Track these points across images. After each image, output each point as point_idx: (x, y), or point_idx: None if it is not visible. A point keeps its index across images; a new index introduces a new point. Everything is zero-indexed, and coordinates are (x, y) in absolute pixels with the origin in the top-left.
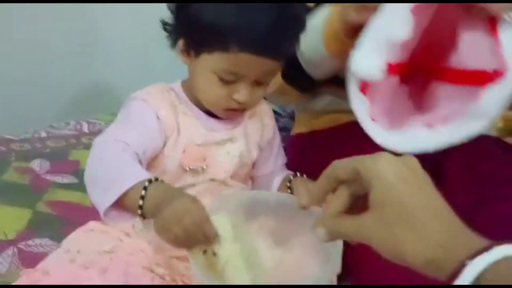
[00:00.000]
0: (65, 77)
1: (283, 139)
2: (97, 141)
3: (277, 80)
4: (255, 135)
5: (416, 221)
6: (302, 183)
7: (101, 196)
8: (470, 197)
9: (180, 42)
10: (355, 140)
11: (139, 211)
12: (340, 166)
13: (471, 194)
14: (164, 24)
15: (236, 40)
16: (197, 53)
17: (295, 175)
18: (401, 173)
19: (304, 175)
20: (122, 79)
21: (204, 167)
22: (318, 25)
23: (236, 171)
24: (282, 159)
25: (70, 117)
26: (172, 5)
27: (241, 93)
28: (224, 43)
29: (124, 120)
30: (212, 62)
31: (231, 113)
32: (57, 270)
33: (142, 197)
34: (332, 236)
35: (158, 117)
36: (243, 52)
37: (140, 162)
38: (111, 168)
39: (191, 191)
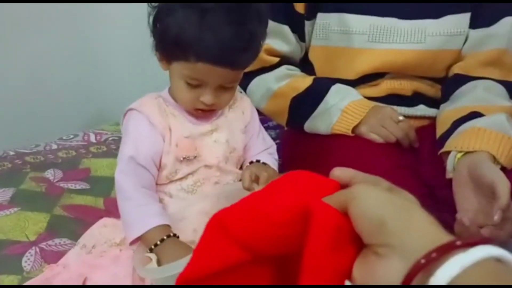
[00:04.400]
0: (69, 92)
1: (278, 137)
2: (118, 161)
3: None
4: (237, 123)
5: None
6: (248, 168)
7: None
8: (434, 166)
9: (158, 53)
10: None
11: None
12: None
13: (436, 161)
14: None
15: (194, 52)
16: (169, 61)
17: (252, 162)
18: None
19: (261, 161)
20: (123, 89)
21: (196, 155)
22: (337, 109)
23: (226, 156)
24: (266, 143)
25: (76, 130)
26: (150, 21)
27: (206, 97)
28: (185, 54)
29: (126, 134)
30: (180, 69)
31: (202, 113)
32: (75, 262)
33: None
34: None
35: (152, 123)
36: (200, 61)
37: (150, 168)
38: (127, 212)
39: (190, 180)
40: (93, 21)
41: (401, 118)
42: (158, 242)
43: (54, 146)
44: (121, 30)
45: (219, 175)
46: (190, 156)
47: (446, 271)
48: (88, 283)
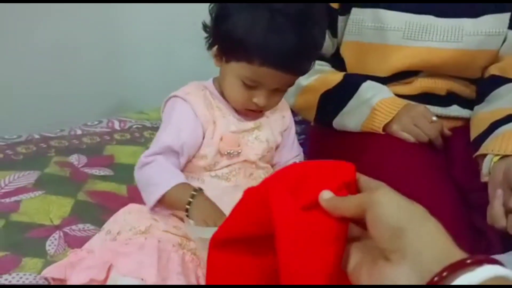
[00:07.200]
0: (94, 78)
1: (304, 131)
2: (153, 144)
3: None
4: (277, 125)
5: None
6: None
7: (146, 198)
8: (467, 168)
9: (215, 48)
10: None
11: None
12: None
13: (469, 164)
14: (205, 26)
15: (259, 56)
16: (227, 60)
17: None
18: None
19: None
20: (147, 78)
21: (240, 151)
22: (367, 107)
23: (264, 155)
24: (296, 150)
25: (100, 116)
26: (212, 14)
27: (260, 98)
28: (250, 56)
29: (168, 121)
30: (239, 69)
31: (250, 113)
32: (100, 249)
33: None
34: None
35: (196, 114)
36: (265, 66)
37: (181, 155)
38: (150, 176)
39: (226, 170)
40: (121, 9)
41: (434, 118)
42: (190, 200)
43: (79, 132)
44: (149, 19)
45: (254, 168)
46: (234, 152)
47: None
48: (113, 270)
